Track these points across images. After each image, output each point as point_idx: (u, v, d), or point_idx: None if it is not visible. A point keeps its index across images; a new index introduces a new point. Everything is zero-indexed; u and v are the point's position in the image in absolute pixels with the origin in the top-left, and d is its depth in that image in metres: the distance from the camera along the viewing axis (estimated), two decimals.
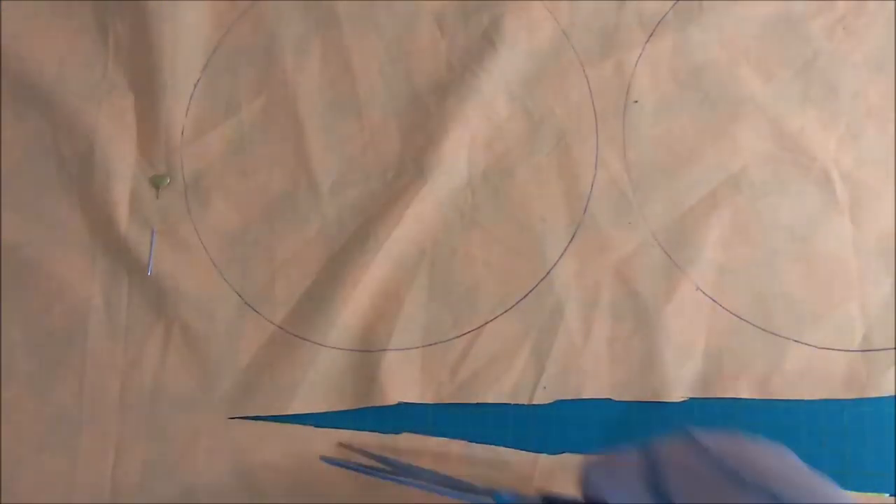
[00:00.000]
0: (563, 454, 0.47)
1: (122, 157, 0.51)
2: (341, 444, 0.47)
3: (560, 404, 0.47)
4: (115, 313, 0.50)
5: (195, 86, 0.53)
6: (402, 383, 0.48)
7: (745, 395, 0.46)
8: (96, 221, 0.51)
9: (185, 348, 0.49)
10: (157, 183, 0.51)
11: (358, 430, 0.48)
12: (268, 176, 0.51)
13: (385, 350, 0.48)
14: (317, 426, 0.48)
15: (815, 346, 0.47)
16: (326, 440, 0.48)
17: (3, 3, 0.53)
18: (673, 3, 0.51)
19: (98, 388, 0.49)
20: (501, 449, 0.47)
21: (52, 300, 0.50)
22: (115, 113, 0.52)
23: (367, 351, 0.48)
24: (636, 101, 0.50)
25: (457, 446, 0.47)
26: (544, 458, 0.47)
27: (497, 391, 0.48)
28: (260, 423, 0.48)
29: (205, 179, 0.52)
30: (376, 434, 0.48)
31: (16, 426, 0.49)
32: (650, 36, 0.51)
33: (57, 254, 0.51)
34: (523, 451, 0.47)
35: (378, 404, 0.48)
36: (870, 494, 0.45)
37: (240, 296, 0.50)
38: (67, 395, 0.49)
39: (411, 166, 0.51)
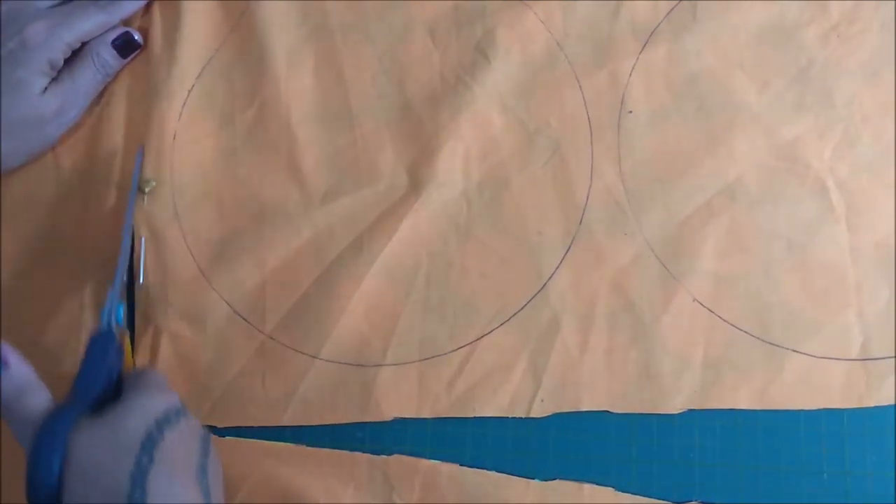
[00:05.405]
0: (556, 480, 0.46)
1: (117, 165, 0.51)
2: None
3: (558, 417, 0.47)
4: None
5: (189, 92, 0.52)
6: (398, 398, 0.47)
7: (743, 405, 0.46)
8: (89, 231, 0.50)
9: (174, 359, 0.48)
10: (143, 187, 0.51)
11: (352, 449, 0.47)
12: (258, 185, 0.51)
13: (381, 365, 0.48)
14: (309, 444, 0.47)
15: (814, 356, 0.46)
16: (319, 461, 0.47)
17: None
18: (667, 12, 0.51)
19: None
20: (492, 474, 0.46)
21: (48, 316, 0.49)
22: (110, 119, 0.52)
23: (362, 366, 0.48)
24: (631, 112, 0.50)
25: (447, 469, 0.46)
26: (535, 484, 0.46)
27: (494, 405, 0.47)
28: (250, 441, 0.47)
29: (195, 187, 0.51)
30: (367, 456, 0.47)
31: (5, 446, 0.48)
32: (644, 45, 0.51)
33: (52, 267, 0.50)
34: (514, 477, 0.46)
35: (373, 420, 0.47)
36: None
37: (229, 305, 0.49)
38: None
39: (405, 178, 0.50)
